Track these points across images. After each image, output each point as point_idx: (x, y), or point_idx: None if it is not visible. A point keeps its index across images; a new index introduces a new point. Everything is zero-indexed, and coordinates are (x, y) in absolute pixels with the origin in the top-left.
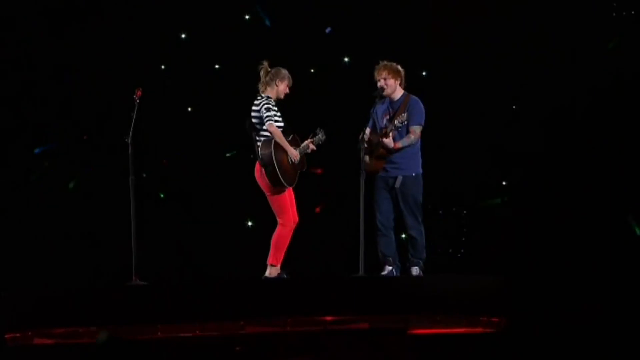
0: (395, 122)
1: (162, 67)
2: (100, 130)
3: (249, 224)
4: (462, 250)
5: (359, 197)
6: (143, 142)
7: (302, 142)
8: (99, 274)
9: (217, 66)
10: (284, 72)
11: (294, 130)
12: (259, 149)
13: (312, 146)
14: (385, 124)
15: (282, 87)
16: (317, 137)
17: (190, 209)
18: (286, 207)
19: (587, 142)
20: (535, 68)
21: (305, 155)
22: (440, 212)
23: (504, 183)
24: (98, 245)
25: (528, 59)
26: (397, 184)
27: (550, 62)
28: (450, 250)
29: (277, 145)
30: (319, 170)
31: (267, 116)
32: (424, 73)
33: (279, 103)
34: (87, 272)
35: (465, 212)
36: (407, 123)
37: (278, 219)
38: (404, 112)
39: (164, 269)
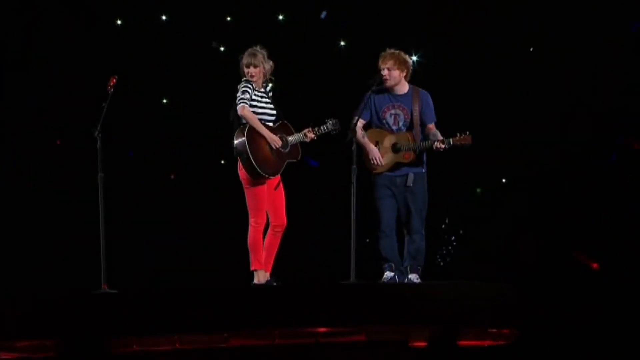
0: (445, 145)
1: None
2: (68, 123)
3: None
4: (469, 256)
5: (351, 195)
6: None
7: (297, 130)
8: (64, 281)
9: (217, 46)
10: (244, 55)
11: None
12: (234, 137)
13: (310, 135)
14: (393, 120)
15: (245, 73)
16: (323, 126)
17: (168, 208)
18: (261, 205)
19: (605, 140)
20: (545, 62)
21: (299, 145)
22: (446, 222)
23: (503, 180)
24: (63, 250)
25: (536, 51)
26: (410, 182)
27: (563, 56)
28: (455, 256)
29: (252, 131)
30: None
31: (241, 99)
32: (414, 58)
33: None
34: (52, 279)
35: (470, 214)
36: (425, 121)
37: (250, 216)
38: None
39: (136, 275)
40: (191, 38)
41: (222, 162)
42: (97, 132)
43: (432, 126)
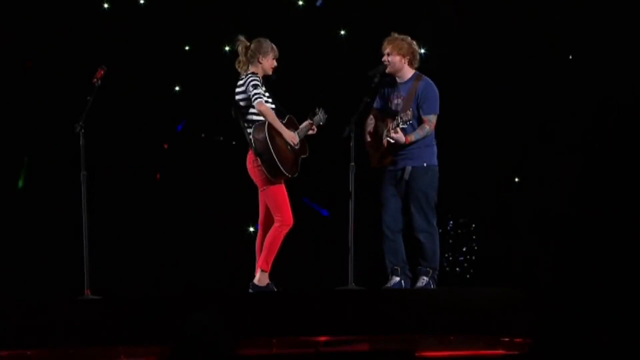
0: (399, 119)
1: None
2: (50, 117)
3: (251, 229)
4: (479, 259)
5: (350, 194)
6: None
7: (300, 124)
8: (45, 287)
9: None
10: (267, 44)
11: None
12: (251, 135)
13: (313, 128)
14: (395, 110)
15: (267, 63)
16: (316, 117)
17: (157, 209)
18: (285, 201)
19: (629, 138)
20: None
21: (305, 139)
22: (451, 219)
23: (516, 179)
24: (44, 253)
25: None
26: (406, 175)
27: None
28: (466, 259)
29: (272, 129)
30: None
31: (256, 94)
32: (422, 51)
33: (268, 82)
34: (32, 284)
35: (483, 215)
36: (419, 112)
37: (275, 217)
38: (409, 109)
39: (123, 280)
40: (185, 27)
41: (218, 159)
42: (79, 128)
43: (425, 119)
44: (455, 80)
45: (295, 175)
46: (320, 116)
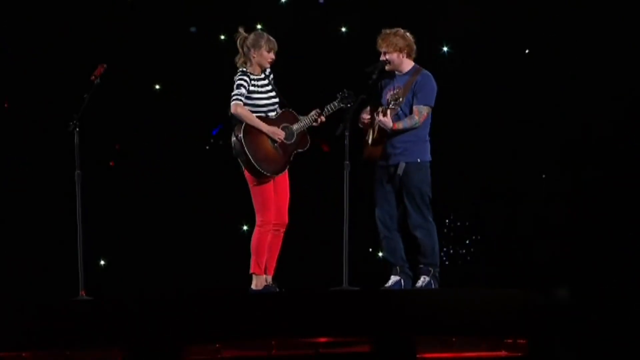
0: (389, 97)
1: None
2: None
3: (244, 228)
4: (481, 260)
5: (344, 192)
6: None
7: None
8: (39, 288)
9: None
10: (261, 37)
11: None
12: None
13: (320, 118)
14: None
15: (261, 57)
16: (332, 103)
17: (153, 208)
18: (268, 203)
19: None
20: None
21: (306, 132)
22: (450, 216)
23: (543, 176)
24: (37, 254)
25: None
26: (399, 171)
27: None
28: (468, 259)
29: (249, 128)
30: (325, 148)
31: (234, 95)
32: (445, 49)
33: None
34: (26, 285)
35: (485, 213)
36: (412, 101)
37: (257, 217)
38: (400, 88)
39: (118, 281)
40: (185, 22)
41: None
42: (72, 126)
43: (415, 109)
44: (459, 78)
45: (281, 173)
46: (343, 100)
